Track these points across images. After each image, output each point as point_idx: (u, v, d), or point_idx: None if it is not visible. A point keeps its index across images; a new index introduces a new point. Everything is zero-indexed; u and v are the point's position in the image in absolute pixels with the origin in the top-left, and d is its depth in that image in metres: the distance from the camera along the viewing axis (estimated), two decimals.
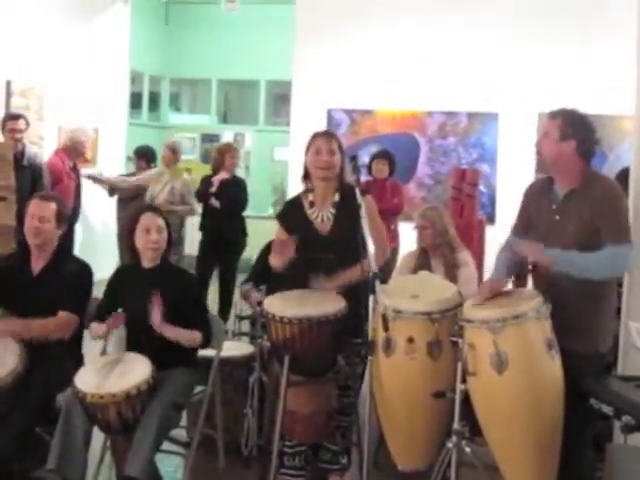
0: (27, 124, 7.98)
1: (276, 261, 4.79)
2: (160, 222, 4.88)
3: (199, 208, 8.92)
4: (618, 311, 4.75)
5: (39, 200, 5.16)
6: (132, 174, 10.25)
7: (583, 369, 4.00)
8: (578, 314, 4.09)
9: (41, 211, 5.07)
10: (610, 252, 4.02)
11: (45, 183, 7.69)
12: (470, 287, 5.28)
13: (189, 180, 9.43)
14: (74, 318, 4.96)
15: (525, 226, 4.47)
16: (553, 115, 4.26)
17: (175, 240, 7.08)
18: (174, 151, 9.30)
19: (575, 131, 4.18)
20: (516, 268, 4.57)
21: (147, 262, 4.88)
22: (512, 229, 4.57)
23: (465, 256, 5.83)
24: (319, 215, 4.84)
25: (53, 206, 5.11)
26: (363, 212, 4.40)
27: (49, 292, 4.96)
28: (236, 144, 13.24)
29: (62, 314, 4.94)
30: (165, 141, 10.09)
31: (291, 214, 4.94)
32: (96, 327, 4.79)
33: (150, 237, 4.81)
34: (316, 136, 4.86)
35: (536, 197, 4.44)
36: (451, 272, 5.63)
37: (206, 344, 4.84)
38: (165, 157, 9.33)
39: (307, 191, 4.91)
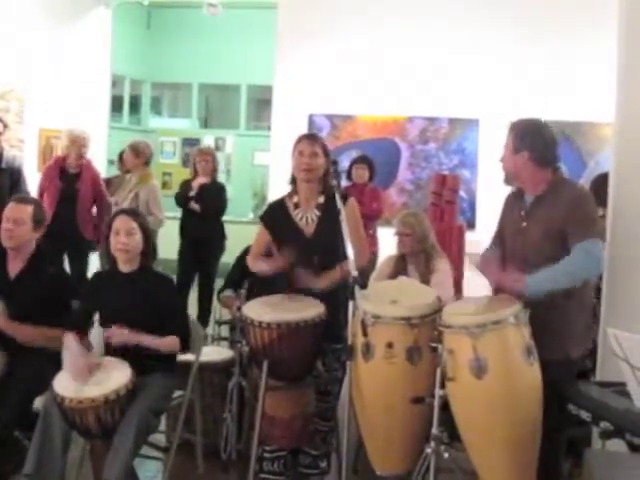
0: (5, 127, 7.90)
1: (262, 267, 4.82)
2: (132, 225, 4.83)
3: (164, 217, 8.51)
4: (596, 317, 4.78)
5: (15, 203, 5.15)
6: (115, 177, 9.77)
7: (555, 376, 4.00)
8: (547, 322, 4.09)
9: (16, 214, 5.06)
10: (580, 251, 4.04)
11: (23, 186, 7.61)
12: (442, 291, 5.26)
13: (157, 187, 8.71)
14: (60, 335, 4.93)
15: (500, 237, 4.52)
16: (509, 128, 4.36)
17: None
18: (137, 153, 8.63)
19: (525, 142, 4.25)
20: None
21: (123, 266, 4.86)
22: (491, 239, 4.61)
23: (441, 263, 5.82)
24: (304, 216, 4.85)
25: (29, 209, 5.11)
26: (343, 216, 4.39)
27: (27, 296, 4.95)
28: (217, 148, 13.26)
29: (56, 331, 4.90)
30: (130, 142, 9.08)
31: (275, 215, 4.94)
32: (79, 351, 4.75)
33: (119, 239, 4.78)
34: (300, 139, 4.88)
35: (510, 207, 4.51)
36: (425, 279, 5.62)
37: (185, 348, 4.83)
38: (127, 160, 8.76)
39: (292, 193, 4.92)
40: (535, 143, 4.25)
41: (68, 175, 8.32)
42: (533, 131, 4.28)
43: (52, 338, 4.88)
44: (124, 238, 4.79)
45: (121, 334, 4.62)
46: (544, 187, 4.26)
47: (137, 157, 8.59)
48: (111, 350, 4.71)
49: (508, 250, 4.42)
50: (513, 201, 4.50)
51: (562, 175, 4.36)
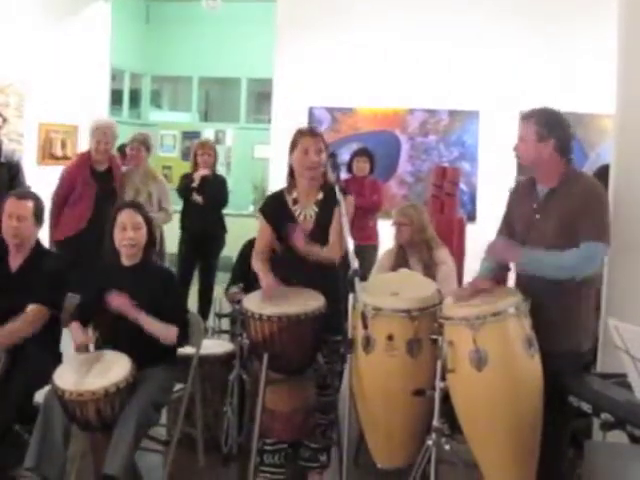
0: (4, 121, 7.82)
1: (260, 273, 4.81)
2: (138, 219, 4.84)
3: (175, 210, 8.28)
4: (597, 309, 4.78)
5: (15, 199, 5.13)
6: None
7: (562, 368, 4.00)
8: (558, 314, 4.10)
9: (18, 210, 5.05)
10: (584, 250, 4.04)
11: (22, 180, 7.45)
12: (448, 285, 5.28)
13: (165, 181, 8.24)
14: (42, 310, 4.95)
15: (509, 228, 4.49)
16: (526, 117, 4.27)
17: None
18: (148, 147, 8.13)
19: (551, 130, 4.19)
20: (500, 271, 4.57)
21: (126, 260, 4.85)
22: (497, 232, 4.59)
23: (443, 254, 5.82)
24: (302, 212, 4.83)
25: (30, 204, 5.11)
26: (343, 209, 4.39)
27: (28, 289, 4.95)
28: (217, 141, 13.25)
29: (30, 308, 4.94)
30: (133, 135, 8.49)
31: (275, 208, 4.92)
32: (77, 334, 4.77)
33: (125, 234, 4.78)
34: (303, 135, 4.84)
35: (519, 198, 4.47)
36: (428, 270, 5.61)
37: (182, 342, 4.82)
38: (137, 155, 8.06)
39: (290, 188, 4.90)
40: (562, 133, 4.22)
41: (98, 174, 7.47)
42: (559, 121, 4.25)
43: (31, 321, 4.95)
44: (132, 233, 4.79)
45: (122, 301, 4.62)
46: (558, 179, 4.22)
47: (148, 151, 8.18)
48: (111, 343, 4.72)
49: (519, 243, 4.39)
50: (522, 192, 4.46)
51: (575, 167, 4.34)
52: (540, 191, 4.31)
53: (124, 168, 8.08)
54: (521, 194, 4.48)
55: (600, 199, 4.18)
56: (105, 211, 6.51)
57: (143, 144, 8.13)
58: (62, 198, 7.33)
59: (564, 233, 4.11)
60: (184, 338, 4.81)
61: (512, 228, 4.47)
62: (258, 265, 4.86)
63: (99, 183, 7.40)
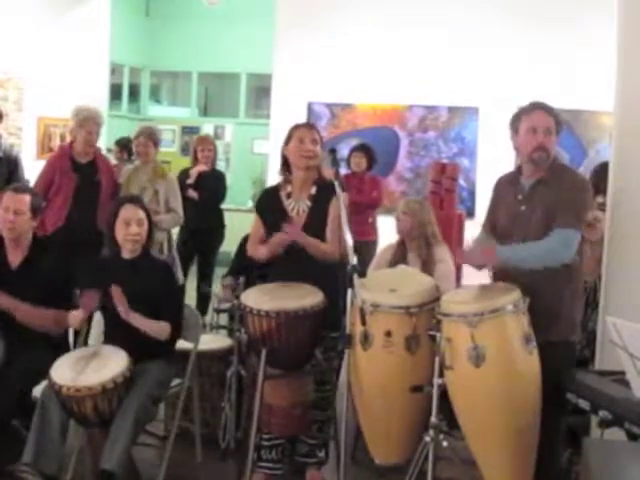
0: (1, 115, 7.72)
1: (262, 251, 4.83)
2: (141, 214, 4.86)
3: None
4: (586, 304, 4.80)
5: (13, 193, 5.13)
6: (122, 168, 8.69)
7: (555, 359, 4.02)
8: (546, 304, 4.10)
9: (15, 204, 5.05)
10: (562, 236, 4.08)
11: (21, 174, 7.33)
12: (446, 283, 5.27)
13: (175, 180, 7.72)
14: (65, 315, 4.94)
15: (493, 222, 4.50)
16: (548, 110, 4.28)
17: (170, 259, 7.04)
18: (155, 142, 7.60)
19: (560, 125, 4.27)
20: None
21: (127, 253, 4.86)
22: (482, 226, 4.60)
23: (442, 252, 5.81)
24: (295, 207, 4.85)
25: (27, 198, 5.11)
26: (342, 204, 4.39)
27: (30, 286, 4.96)
28: (216, 137, 13.21)
29: (52, 312, 4.93)
30: (139, 128, 8.01)
31: (268, 204, 4.95)
32: (74, 315, 4.77)
33: (130, 229, 4.79)
34: (298, 127, 4.89)
35: (503, 191, 4.50)
36: (426, 267, 5.61)
37: (174, 337, 4.81)
38: (144, 151, 7.54)
39: (286, 182, 4.92)
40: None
41: (80, 166, 6.83)
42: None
43: (50, 319, 4.94)
44: (136, 228, 4.81)
45: (120, 298, 4.62)
46: (545, 171, 4.25)
47: (155, 146, 7.61)
48: (109, 338, 4.72)
49: (502, 234, 4.39)
50: (506, 185, 4.49)
51: (562, 161, 4.37)
52: (525, 183, 4.34)
53: (130, 166, 7.93)
54: (505, 187, 4.50)
55: (582, 191, 4.24)
56: (87, 205, 6.59)
57: (150, 138, 7.61)
58: (39, 192, 6.34)
59: (550, 223, 4.15)
60: (177, 333, 4.81)
61: (496, 223, 4.50)
62: (260, 250, 4.89)
63: (82, 176, 6.78)
